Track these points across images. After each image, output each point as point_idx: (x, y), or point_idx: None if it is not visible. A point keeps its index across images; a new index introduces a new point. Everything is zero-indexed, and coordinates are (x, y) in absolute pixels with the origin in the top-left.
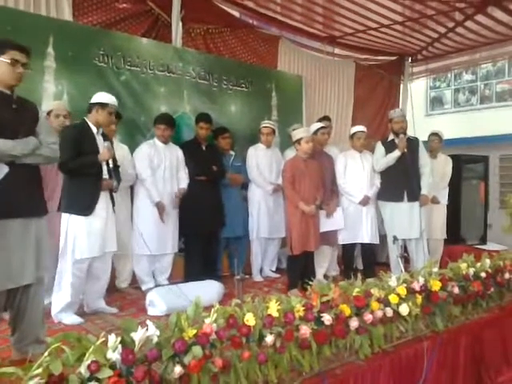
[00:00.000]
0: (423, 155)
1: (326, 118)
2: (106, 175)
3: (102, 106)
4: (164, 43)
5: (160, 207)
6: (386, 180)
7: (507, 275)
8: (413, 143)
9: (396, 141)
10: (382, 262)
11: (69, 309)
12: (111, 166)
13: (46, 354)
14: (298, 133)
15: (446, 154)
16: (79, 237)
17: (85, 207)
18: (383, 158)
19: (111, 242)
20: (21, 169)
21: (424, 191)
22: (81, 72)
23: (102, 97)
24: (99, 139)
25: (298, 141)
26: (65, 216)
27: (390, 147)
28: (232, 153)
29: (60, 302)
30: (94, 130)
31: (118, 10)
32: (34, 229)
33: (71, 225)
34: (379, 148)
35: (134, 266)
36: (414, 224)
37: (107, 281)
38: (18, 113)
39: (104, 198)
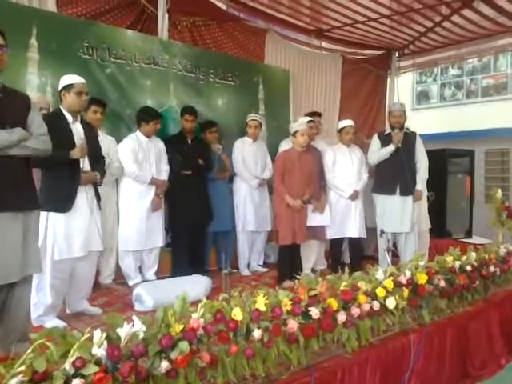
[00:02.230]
0: (420, 150)
1: (316, 114)
2: (87, 168)
3: (68, 88)
4: (150, 36)
5: (155, 182)
6: (379, 173)
7: (492, 268)
8: (409, 137)
9: (392, 134)
10: (369, 255)
11: (50, 312)
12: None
13: (30, 350)
14: (294, 126)
15: (432, 148)
16: (58, 236)
17: (62, 203)
18: (377, 152)
19: (96, 241)
20: (7, 161)
21: (419, 186)
22: (65, 64)
23: (65, 79)
24: (76, 129)
25: (294, 134)
26: (43, 214)
27: (385, 141)
28: (219, 146)
29: (40, 305)
30: (70, 118)
31: (103, 1)
32: (21, 224)
33: (50, 223)
34: (375, 141)
35: (120, 261)
36: (406, 218)
37: (92, 282)
38: (5, 103)
39: (86, 192)
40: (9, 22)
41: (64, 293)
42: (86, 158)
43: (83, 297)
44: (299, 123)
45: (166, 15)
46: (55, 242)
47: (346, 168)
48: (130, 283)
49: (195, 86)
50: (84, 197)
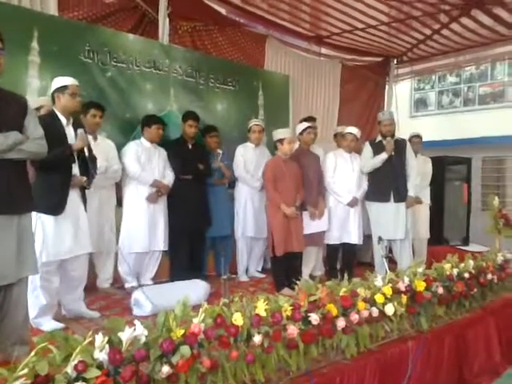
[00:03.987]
0: (410, 157)
1: (311, 119)
2: (76, 172)
3: (61, 89)
4: (151, 40)
5: (157, 184)
6: (372, 180)
7: (489, 276)
8: (400, 145)
9: (384, 142)
10: (366, 262)
11: (46, 313)
12: (87, 155)
13: (32, 354)
14: (281, 133)
15: (430, 156)
16: (47, 238)
17: (54, 206)
18: (370, 160)
19: (85, 244)
20: (2, 164)
21: (411, 193)
22: (66, 67)
23: (59, 81)
24: (69, 131)
25: (281, 141)
26: (34, 215)
27: (377, 149)
28: (219, 151)
29: (35, 306)
30: (64, 120)
31: (105, 5)
32: (15, 227)
33: (39, 225)
34: (367, 149)
35: (119, 264)
36: (400, 225)
37: (83, 283)
38: (1, 106)
39: (75, 196)
40: (10, 25)
41: (56, 293)
42: (76, 162)
43: (78, 298)
44: (286, 130)
45: (167, 20)
46: (44, 244)
47: (346, 174)
48: (127, 286)
49: (195, 90)
50: (73, 200)
